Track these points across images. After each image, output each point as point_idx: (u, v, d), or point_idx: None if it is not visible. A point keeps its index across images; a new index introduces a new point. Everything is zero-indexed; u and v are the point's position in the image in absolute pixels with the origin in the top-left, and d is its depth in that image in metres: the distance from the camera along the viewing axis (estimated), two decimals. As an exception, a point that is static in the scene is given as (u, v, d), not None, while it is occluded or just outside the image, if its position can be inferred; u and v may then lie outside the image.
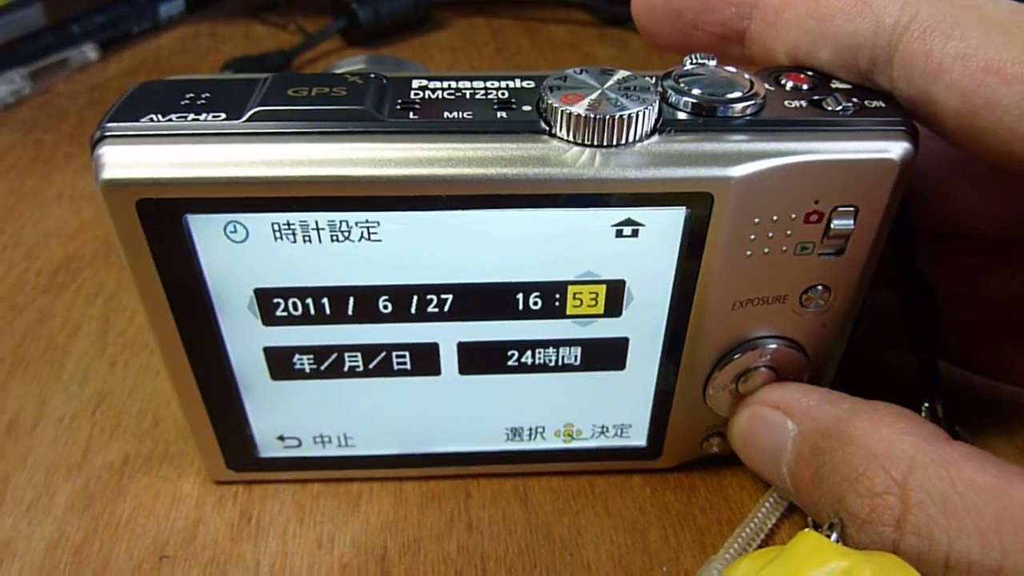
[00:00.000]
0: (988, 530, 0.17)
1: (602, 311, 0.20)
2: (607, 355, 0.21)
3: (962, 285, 0.24)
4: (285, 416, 0.23)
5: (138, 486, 0.24)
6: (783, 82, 0.19)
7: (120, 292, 0.31)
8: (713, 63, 0.19)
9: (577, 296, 0.20)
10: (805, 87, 0.19)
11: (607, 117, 0.17)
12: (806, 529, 0.18)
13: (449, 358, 0.21)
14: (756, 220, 0.19)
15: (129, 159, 0.17)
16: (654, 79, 0.19)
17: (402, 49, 0.50)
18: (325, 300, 0.20)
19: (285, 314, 0.20)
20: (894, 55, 0.18)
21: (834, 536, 0.19)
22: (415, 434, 0.23)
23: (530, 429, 0.23)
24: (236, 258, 0.19)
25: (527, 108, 0.18)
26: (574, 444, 0.24)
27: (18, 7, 0.47)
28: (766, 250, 0.20)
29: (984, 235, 0.23)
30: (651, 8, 0.21)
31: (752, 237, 0.19)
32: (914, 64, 0.18)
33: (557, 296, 0.20)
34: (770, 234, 0.19)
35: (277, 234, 0.18)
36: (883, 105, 0.19)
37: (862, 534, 0.18)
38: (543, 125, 0.18)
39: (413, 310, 0.20)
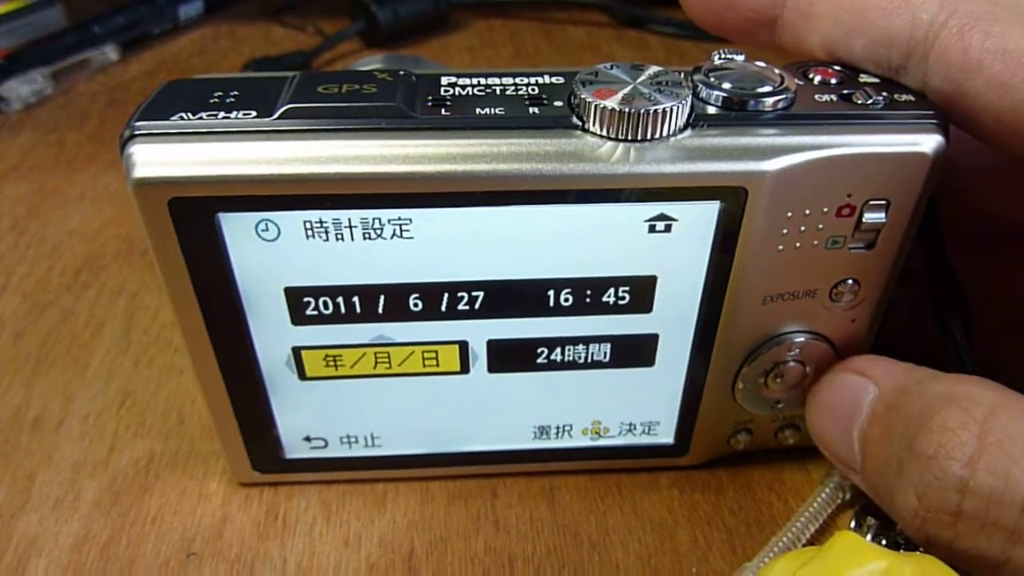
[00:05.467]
0: None
1: (633, 307, 0.20)
2: (637, 351, 0.21)
3: (992, 283, 0.23)
4: (312, 416, 0.23)
5: (164, 484, 0.24)
6: (811, 76, 0.19)
7: (143, 290, 0.31)
8: (742, 58, 0.19)
9: (608, 292, 0.20)
10: (834, 81, 0.19)
11: (641, 111, 0.17)
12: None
13: (479, 356, 0.21)
14: (789, 214, 0.19)
15: (160, 157, 0.17)
16: (684, 74, 0.19)
17: (420, 50, 0.50)
18: (356, 299, 0.20)
19: (315, 313, 0.20)
20: (930, 51, 0.18)
21: (869, 536, 0.18)
22: (442, 433, 0.23)
23: (558, 427, 0.23)
24: (267, 257, 0.19)
25: (559, 103, 0.18)
26: (601, 442, 0.24)
27: (39, 8, 0.47)
28: (798, 244, 0.19)
29: (1015, 232, 0.22)
30: None
31: (784, 231, 0.19)
32: (951, 60, 0.18)
33: (588, 292, 0.20)
34: (802, 228, 0.19)
35: (309, 232, 0.18)
36: (913, 99, 0.19)
37: (926, 473, 0.17)
38: (576, 120, 0.18)
39: (444, 308, 0.20)
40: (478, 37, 0.52)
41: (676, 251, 0.19)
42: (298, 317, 0.20)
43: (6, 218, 0.35)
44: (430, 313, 0.20)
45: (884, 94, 0.19)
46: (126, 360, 0.28)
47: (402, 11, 0.49)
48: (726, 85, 0.18)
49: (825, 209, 0.19)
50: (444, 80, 0.19)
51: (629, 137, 0.17)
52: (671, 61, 0.50)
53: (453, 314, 0.20)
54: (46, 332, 0.30)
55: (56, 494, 0.24)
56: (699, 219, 0.19)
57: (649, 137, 0.18)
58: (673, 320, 0.21)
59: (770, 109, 0.18)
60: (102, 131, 0.42)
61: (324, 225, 0.18)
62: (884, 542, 0.21)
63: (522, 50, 0.51)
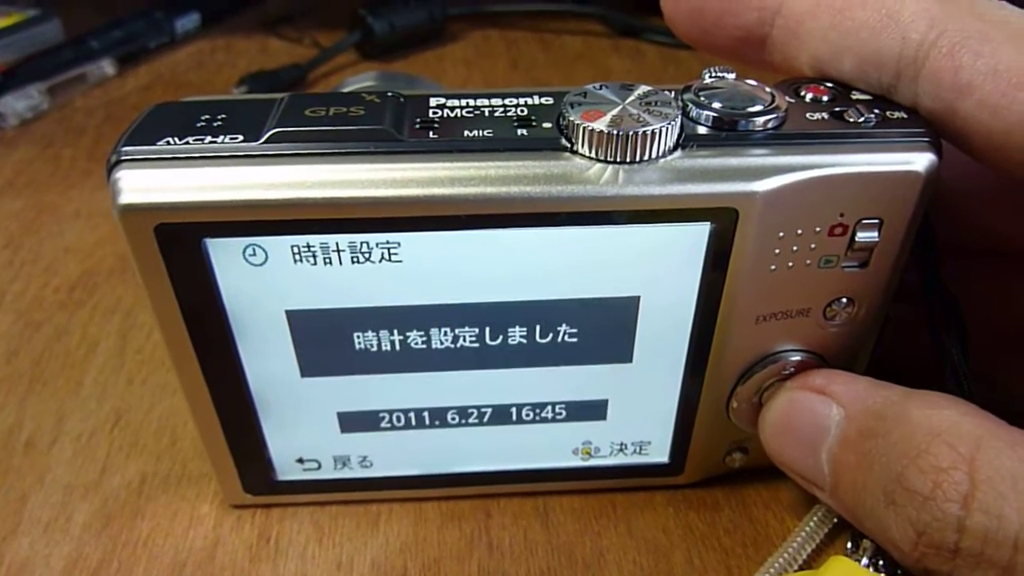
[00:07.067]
0: None
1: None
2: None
3: (987, 300, 0.23)
4: (304, 438, 0.22)
5: (156, 506, 0.24)
6: (803, 94, 0.19)
7: (137, 309, 0.31)
8: (732, 76, 0.19)
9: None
10: (825, 99, 0.19)
11: (630, 133, 0.17)
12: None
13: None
14: (781, 234, 0.19)
15: (147, 183, 0.17)
16: (674, 93, 0.19)
17: (417, 62, 0.50)
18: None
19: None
20: (921, 71, 0.18)
21: (865, 559, 0.18)
22: (435, 454, 0.23)
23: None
24: (255, 281, 0.19)
25: (547, 125, 0.18)
26: (593, 462, 0.23)
27: (36, 23, 0.47)
28: (790, 264, 0.19)
29: (1010, 250, 0.22)
30: (675, 0, 0.21)
31: (777, 251, 0.19)
32: (942, 80, 0.17)
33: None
34: (795, 248, 0.19)
35: (297, 256, 0.18)
36: (905, 116, 0.19)
37: (923, 513, 0.17)
38: (564, 142, 0.18)
39: (433, 330, 0.20)
40: (474, 48, 0.52)
41: (668, 272, 0.19)
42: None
43: (1, 235, 0.35)
44: (420, 336, 0.20)
45: (876, 111, 0.18)
46: (119, 379, 0.28)
47: (398, 23, 0.49)
48: (716, 105, 0.18)
49: (817, 228, 0.19)
50: (432, 102, 0.19)
51: (618, 159, 0.17)
52: (667, 70, 0.50)
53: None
54: (40, 351, 0.29)
55: (47, 517, 0.24)
56: (690, 240, 0.18)
57: (638, 159, 0.17)
58: (666, 340, 0.20)
59: (760, 129, 0.18)
60: (98, 147, 0.42)
61: (312, 249, 0.18)
62: (881, 562, 0.21)
63: (519, 61, 0.51)
